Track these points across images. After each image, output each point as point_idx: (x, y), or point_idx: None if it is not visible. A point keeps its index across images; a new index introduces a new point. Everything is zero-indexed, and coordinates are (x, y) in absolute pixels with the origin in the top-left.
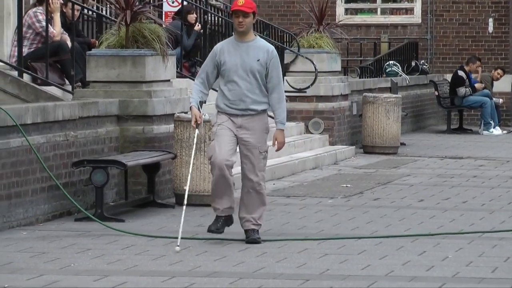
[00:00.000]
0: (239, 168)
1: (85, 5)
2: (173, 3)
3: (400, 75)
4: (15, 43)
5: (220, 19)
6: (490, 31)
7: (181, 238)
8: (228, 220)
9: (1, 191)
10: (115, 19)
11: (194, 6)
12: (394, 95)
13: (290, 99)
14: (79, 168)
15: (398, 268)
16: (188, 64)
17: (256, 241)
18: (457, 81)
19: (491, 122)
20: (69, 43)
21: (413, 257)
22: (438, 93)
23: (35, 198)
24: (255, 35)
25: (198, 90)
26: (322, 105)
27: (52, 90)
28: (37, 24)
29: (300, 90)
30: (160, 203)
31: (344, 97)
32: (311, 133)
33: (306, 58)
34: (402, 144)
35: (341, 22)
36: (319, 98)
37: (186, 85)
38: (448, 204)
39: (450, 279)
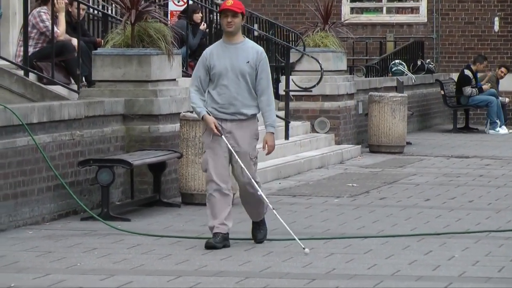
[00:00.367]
0: None
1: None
2: (178, 2)
3: (406, 74)
4: (21, 42)
5: None
6: (496, 30)
7: (186, 237)
8: (226, 239)
9: (7, 190)
10: (121, 19)
11: (199, 5)
12: (400, 94)
13: (296, 98)
14: (85, 167)
15: (405, 268)
16: (194, 63)
17: (262, 222)
18: (463, 80)
19: (497, 121)
20: (74, 43)
21: (420, 256)
22: (444, 92)
23: (41, 197)
24: (244, 37)
25: (199, 98)
26: (328, 104)
27: (58, 89)
28: (40, 24)
29: (305, 89)
30: (166, 202)
31: (350, 96)
32: (317, 132)
33: (312, 57)
34: (408, 143)
35: (346, 21)
36: (325, 97)
37: None
38: (454, 204)
39: (457, 278)
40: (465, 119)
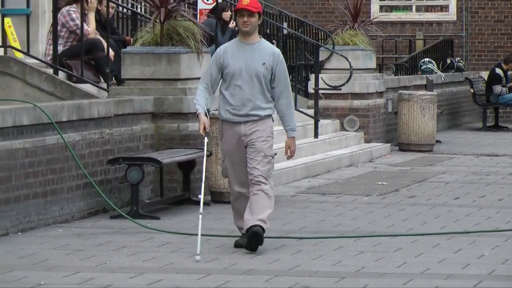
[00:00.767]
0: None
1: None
2: (207, 0)
3: (436, 73)
4: (50, 41)
5: None
6: None
7: (216, 236)
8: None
9: (37, 188)
10: (150, 17)
11: (228, 3)
12: (429, 93)
13: (325, 96)
14: (115, 165)
15: (434, 266)
16: None
17: (259, 234)
18: (493, 79)
19: None
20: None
21: (449, 255)
22: (474, 91)
23: (70, 195)
24: (260, 37)
25: (203, 96)
26: (357, 103)
27: (87, 87)
28: (71, 23)
29: (335, 88)
30: (195, 201)
31: (379, 94)
32: (346, 130)
33: (341, 55)
34: (438, 141)
35: (376, 19)
36: (354, 95)
37: None
38: (484, 202)
39: (486, 277)
40: (495, 118)
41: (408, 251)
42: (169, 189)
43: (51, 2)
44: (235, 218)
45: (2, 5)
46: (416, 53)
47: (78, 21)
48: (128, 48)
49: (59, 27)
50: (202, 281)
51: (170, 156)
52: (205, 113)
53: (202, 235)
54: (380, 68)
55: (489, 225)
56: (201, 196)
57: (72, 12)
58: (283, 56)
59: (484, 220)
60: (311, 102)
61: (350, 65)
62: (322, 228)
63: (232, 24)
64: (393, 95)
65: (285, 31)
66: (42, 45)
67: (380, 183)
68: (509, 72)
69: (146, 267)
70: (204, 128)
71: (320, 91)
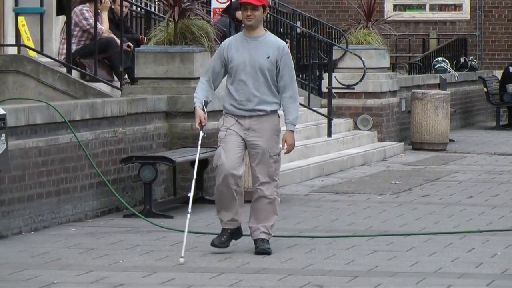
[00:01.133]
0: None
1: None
2: None
3: (449, 72)
4: (63, 40)
5: (268, 15)
6: None
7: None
8: (234, 234)
9: (50, 187)
10: (163, 16)
11: None
12: (443, 92)
13: (339, 95)
14: (128, 164)
15: (447, 265)
16: None
17: (266, 252)
18: (507, 78)
19: None
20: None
21: (462, 254)
22: (487, 90)
23: (83, 194)
24: (266, 30)
25: (203, 89)
26: (370, 102)
27: (101, 86)
28: (84, 22)
29: (348, 87)
30: (208, 200)
31: (393, 93)
32: (360, 129)
33: (355, 54)
34: (451, 140)
35: (389, 18)
36: (367, 94)
37: None
38: (497, 201)
39: (499, 276)
40: (508, 117)
41: (421, 250)
42: (182, 188)
43: (65, 1)
44: (217, 209)
45: (16, 4)
46: (430, 52)
47: (91, 20)
48: (142, 47)
49: (72, 26)
50: (215, 280)
51: (183, 155)
52: (203, 107)
53: (214, 234)
54: (394, 67)
55: (502, 224)
56: (191, 194)
57: (85, 11)
58: (297, 55)
59: (497, 219)
60: (324, 101)
61: (363, 64)
62: (335, 227)
63: None
64: (407, 94)
65: (298, 30)
66: (55, 44)
67: (393, 182)
68: None
69: (159, 266)
70: (200, 122)
71: (334, 90)
